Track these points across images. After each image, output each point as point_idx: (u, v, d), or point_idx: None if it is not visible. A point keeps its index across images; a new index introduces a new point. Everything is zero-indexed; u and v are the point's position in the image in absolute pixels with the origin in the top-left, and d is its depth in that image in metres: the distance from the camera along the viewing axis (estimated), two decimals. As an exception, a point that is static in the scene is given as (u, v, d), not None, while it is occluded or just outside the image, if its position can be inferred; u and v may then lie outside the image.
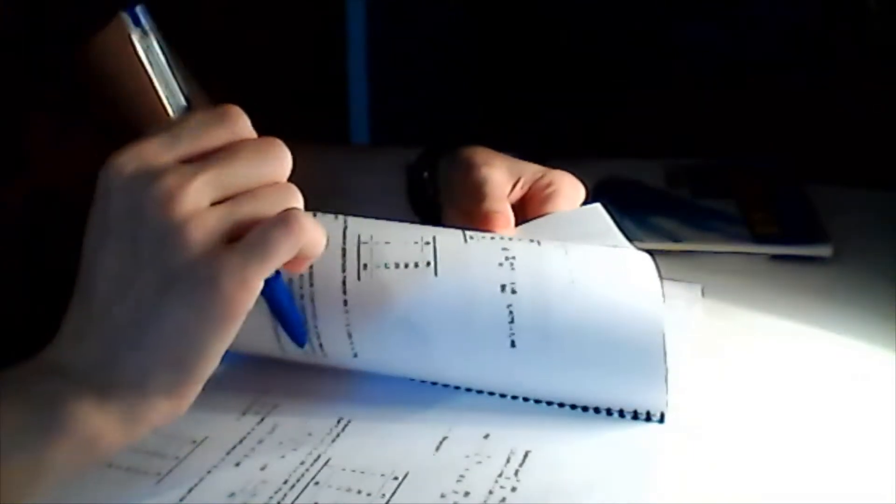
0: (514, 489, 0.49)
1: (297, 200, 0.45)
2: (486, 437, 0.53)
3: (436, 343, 0.54)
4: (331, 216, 0.56)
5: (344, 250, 0.54)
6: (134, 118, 0.63)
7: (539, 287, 0.53)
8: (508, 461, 0.51)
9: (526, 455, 0.51)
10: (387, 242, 0.55)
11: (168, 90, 0.46)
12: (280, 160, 0.45)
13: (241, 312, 0.43)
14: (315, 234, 0.44)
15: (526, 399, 0.56)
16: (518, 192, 0.64)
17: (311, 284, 0.53)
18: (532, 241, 0.57)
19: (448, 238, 0.56)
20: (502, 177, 0.63)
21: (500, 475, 0.50)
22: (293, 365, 0.58)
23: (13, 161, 0.65)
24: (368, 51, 1.50)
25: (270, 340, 0.55)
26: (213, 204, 0.43)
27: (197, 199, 0.42)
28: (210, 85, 0.67)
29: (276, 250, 0.43)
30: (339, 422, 0.55)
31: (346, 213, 0.57)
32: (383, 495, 0.48)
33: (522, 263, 0.54)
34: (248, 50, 1.29)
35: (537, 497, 0.48)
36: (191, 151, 0.44)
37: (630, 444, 0.53)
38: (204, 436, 0.53)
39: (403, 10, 1.50)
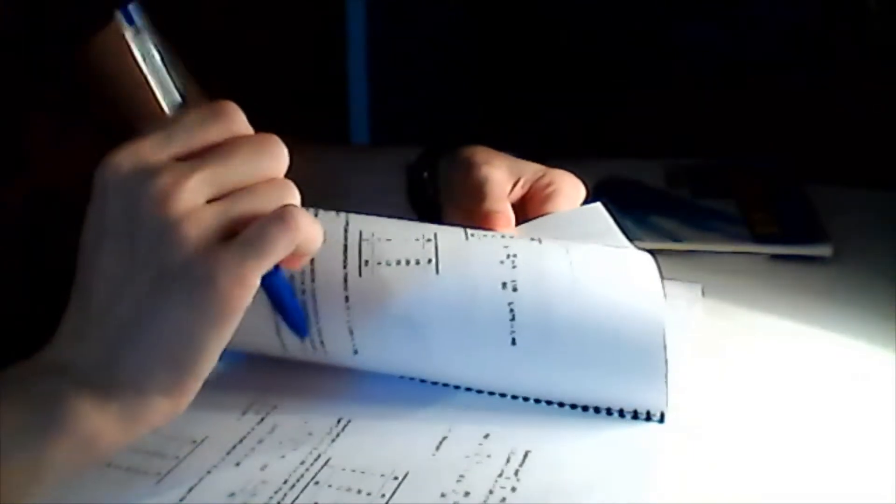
0: (514, 489, 0.49)
1: (294, 196, 0.45)
2: (486, 436, 0.53)
3: (436, 340, 0.54)
4: (332, 213, 0.56)
5: (345, 247, 0.54)
6: (134, 118, 0.62)
7: (540, 285, 0.53)
8: (508, 461, 0.51)
9: (526, 455, 0.51)
10: (388, 239, 0.55)
11: (163, 88, 0.46)
12: (276, 156, 0.45)
13: (239, 310, 0.43)
14: (312, 231, 0.44)
15: (526, 399, 0.56)
16: (518, 192, 0.64)
17: (313, 280, 0.54)
18: (533, 239, 0.57)
19: (449, 235, 0.56)
20: (503, 176, 0.63)
21: (500, 475, 0.50)
22: (293, 365, 0.58)
23: (13, 161, 0.65)
24: (368, 51, 1.50)
25: (271, 337, 0.55)
26: (210, 201, 0.43)
27: (193, 196, 0.42)
28: (210, 85, 0.67)
29: (272, 247, 0.43)
30: (339, 422, 0.55)
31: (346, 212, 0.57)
32: (383, 495, 0.48)
33: (524, 261, 0.54)
34: (248, 50, 1.29)
35: (537, 497, 0.48)
36: (186, 149, 0.44)
37: (630, 444, 0.53)
38: (204, 436, 0.53)
39: (403, 10, 1.51)
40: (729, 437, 0.53)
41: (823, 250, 0.78)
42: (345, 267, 0.54)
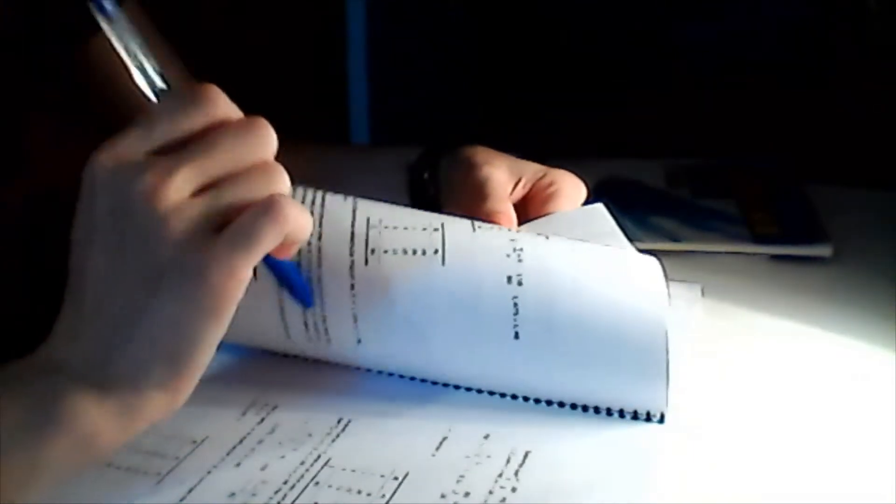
0: (514, 489, 0.49)
1: (283, 181, 0.44)
2: (486, 437, 0.53)
3: (439, 331, 0.54)
4: (340, 198, 0.56)
5: (352, 234, 0.54)
6: (133, 118, 0.63)
7: (545, 280, 0.53)
8: (508, 461, 0.51)
9: (526, 455, 0.51)
10: (395, 227, 0.55)
11: (145, 76, 0.46)
12: (263, 139, 0.44)
13: (232, 302, 0.43)
14: (300, 220, 0.44)
15: (526, 399, 0.56)
16: (520, 192, 0.64)
17: (320, 266, 0.54)
18: (540, 234, 0.57)
19: (456, 226, 0.56)
20: (504, 176, 0.63)
21: (500, 475, 0.50)
22: (293, 365, 0.58)
23: (13, 161, 0.65)
24: (368, 51, 1.50)
25: (275, 322, 0.55)
26: (200, 191, 0.43)
27: (178, 191, 0.42)
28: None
29: (261, 239, 0.43)
30: (339, 421, 0.55)
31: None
32: (383, 495, 0.48)
33: (530, 256, 0.54)
34: (248, 50, 1.28)
35: (537, 497, 0.48)
36: (169, 139, 0.43)
37: (630, 444, 0.53)
38: (204, 436, 0.53)
39: (403, 10, 1.50)
40: (729, 437, 0.53)
41: (823, 250, 0.78)
42: (351, 255, 0.54)
